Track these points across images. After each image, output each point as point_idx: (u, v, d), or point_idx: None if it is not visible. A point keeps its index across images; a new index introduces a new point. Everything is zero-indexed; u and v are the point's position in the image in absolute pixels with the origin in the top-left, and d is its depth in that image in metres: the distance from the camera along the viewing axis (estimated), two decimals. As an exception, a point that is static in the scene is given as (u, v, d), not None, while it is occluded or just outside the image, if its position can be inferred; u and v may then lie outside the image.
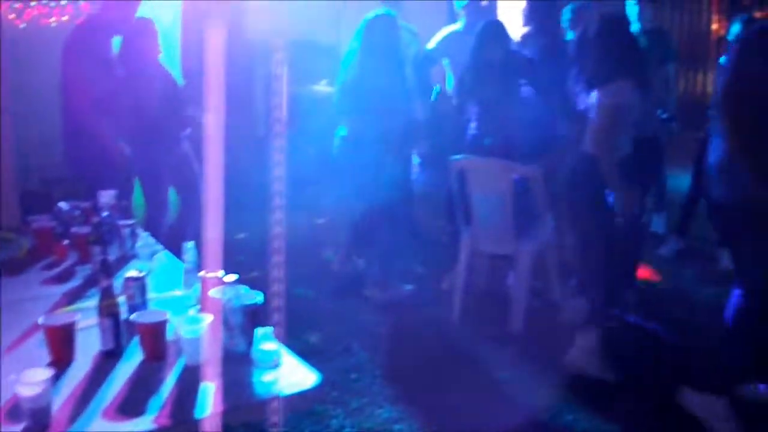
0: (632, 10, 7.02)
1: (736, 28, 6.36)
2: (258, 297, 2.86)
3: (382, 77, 5.55)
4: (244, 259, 6.01)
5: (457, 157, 5.35)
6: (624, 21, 4.95)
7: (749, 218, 3.96)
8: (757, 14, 12.67)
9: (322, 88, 8.17)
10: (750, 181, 3.86)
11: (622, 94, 4.49)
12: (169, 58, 6.52)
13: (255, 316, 2.81)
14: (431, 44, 6.86)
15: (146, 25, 5.60)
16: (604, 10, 5.12)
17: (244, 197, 6.70)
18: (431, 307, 5.62)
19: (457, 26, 6.81)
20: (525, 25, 6.34)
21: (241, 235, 6.71)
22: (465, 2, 6.69)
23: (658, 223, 7.45)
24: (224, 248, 3.66)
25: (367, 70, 5.57)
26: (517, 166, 5.09)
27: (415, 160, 6.84)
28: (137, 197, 5.65)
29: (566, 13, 6.64)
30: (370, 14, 5.70)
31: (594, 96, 4.55)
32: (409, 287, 5.86)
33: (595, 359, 4.59)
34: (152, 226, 5.55)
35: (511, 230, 5.11)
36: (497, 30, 5.66)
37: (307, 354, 4.76)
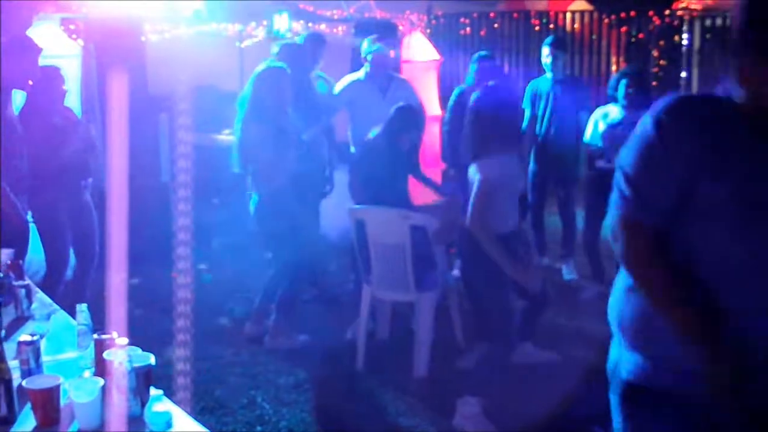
0: (546, 61, 7.26)
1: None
2: (150, 358, 2.87)
3: (267, 130, 5.58)
4: (145, 313, 6.00)
5: (356, 206, 5.43)
6: (501, 94, 5.00)
7: None
8: (654, 52, 13.24)
9: (225, 137, 8.16)
10: None
11: (493, 168, 4.60)
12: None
13: (148, 378, 2.82)
14: (333, 92, 6.95)
15: (52, 73, 5.56)
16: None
17: (148, 246, 6.69)
18: (336, 357, 5.64)
19: (359, 74, 6.92)
20: None
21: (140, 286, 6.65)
22: (371, 51, 6.78)
23: (568, 271, 7.46)
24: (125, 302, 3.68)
25: (252, 122, 5.61)
26: (413, 215, 5.18)
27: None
28: (36, 250, 5.57)
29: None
30: (261, 66, 5.74)
31: (472, 170, 4.68)
32: (304, 337, 5.83)
33: (479, 424, 4.63)
34: (51, 280, 5.51)
35: (410, 278, 5.19)
36: (408, 116, 5.77)
37: (211, 409, 4.80)
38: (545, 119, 7.26)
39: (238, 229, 7.23)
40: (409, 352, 5.35)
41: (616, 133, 6.52)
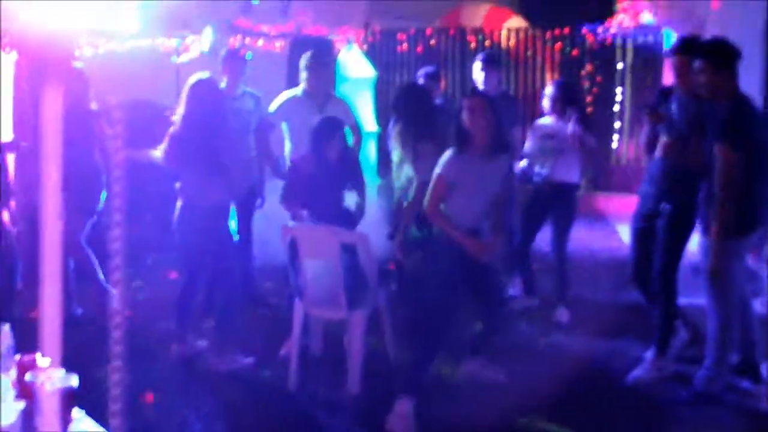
0: (478, 77, 7.25)
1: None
2: (72, 380, 2.83)
3: (204, 141, 5.54)
4: (77, 333, 5.91)
5: (289, 224, 5.43)
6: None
7: None
8: (588, 68, 13.46)
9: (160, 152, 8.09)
10: None
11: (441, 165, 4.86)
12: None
13: (70, 400, 2.79)
14: (271, 108, 6.93)
15: None
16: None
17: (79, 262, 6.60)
18: (269, 375, 5.61)
19: (296, 91, 6.90)
20: None
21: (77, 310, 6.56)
22: (307, 64, 6.77)
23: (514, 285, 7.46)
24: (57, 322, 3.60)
25: (189, 134, 5.54)
26: (344, 232, 5.19)
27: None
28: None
29: None
30: (192, 78, 5.70)
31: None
32: (249, 359, 5.76)
33: (411, 425, 4.69)
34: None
35: (342, 295, 5.20)
36: (333, 127, 5.82)
37: (142, 429, 4.73)
38: None
39: (173, 245, 7.17)
40: (343, 369, 5.34)
41: (544, 142, 6.68)
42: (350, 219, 5.83)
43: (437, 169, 4.94)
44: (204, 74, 5.75)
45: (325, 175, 5.52)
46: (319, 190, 5.70)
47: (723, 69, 4.96)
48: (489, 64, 7.25)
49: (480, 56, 7.39)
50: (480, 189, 4.99)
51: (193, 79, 5.68)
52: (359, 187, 5.97)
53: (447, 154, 4.94)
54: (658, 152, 5.49)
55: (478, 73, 7.25)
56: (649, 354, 5.63)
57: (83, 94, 6.38)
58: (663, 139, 5.44)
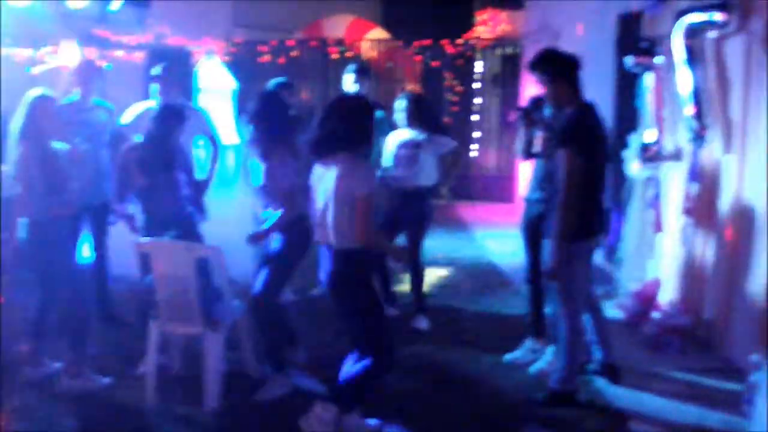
0: (352, 88, 7.19)
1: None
2: None
3: (43, 156, 5.41)
4: None
5: (142, 239, 5.34)
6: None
7: None
8: (449, 78, 13.70)
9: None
10: None
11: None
12: None
13: None
14: (125, 120, 6.81)
15: None
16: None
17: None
18: (126, 395, 5.47)
19: (152, 103, 6.80)
20: None
21: None
22: (159, 75, 6.70)
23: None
24: None
25: (28, 150, 5.39)
26: (198, 246, 5.13)
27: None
28: None
29: None
30: (29, 94, 5.52)
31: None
32: (105, 379, 5.61)
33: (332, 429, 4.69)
34: None
35: (196, 310, 5.14)
36: (172, 114, 5.83)
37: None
38: None
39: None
40: (201, 385, 5.24)
41: (399, 151, 6.79)
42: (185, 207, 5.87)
43: (366, 190, 4.43)
44: (39, 90, 5.58)
45: (157, 161, 5.53)
46: (151, 178, 5.70)
47: (557, 78, 5.16)
48: (362, 75, 7.26)
49: (351, 67, 7.36)
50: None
51: (28, 96, 5.51)
52: (189, 174, 5.98)
53: (367, 168, 4.57)
54: (537, 150, 5.70)
55: (350, 85, 7.23)
56: (549, 348, 5.89)
57: None
58: (540, 137, 5.65)
